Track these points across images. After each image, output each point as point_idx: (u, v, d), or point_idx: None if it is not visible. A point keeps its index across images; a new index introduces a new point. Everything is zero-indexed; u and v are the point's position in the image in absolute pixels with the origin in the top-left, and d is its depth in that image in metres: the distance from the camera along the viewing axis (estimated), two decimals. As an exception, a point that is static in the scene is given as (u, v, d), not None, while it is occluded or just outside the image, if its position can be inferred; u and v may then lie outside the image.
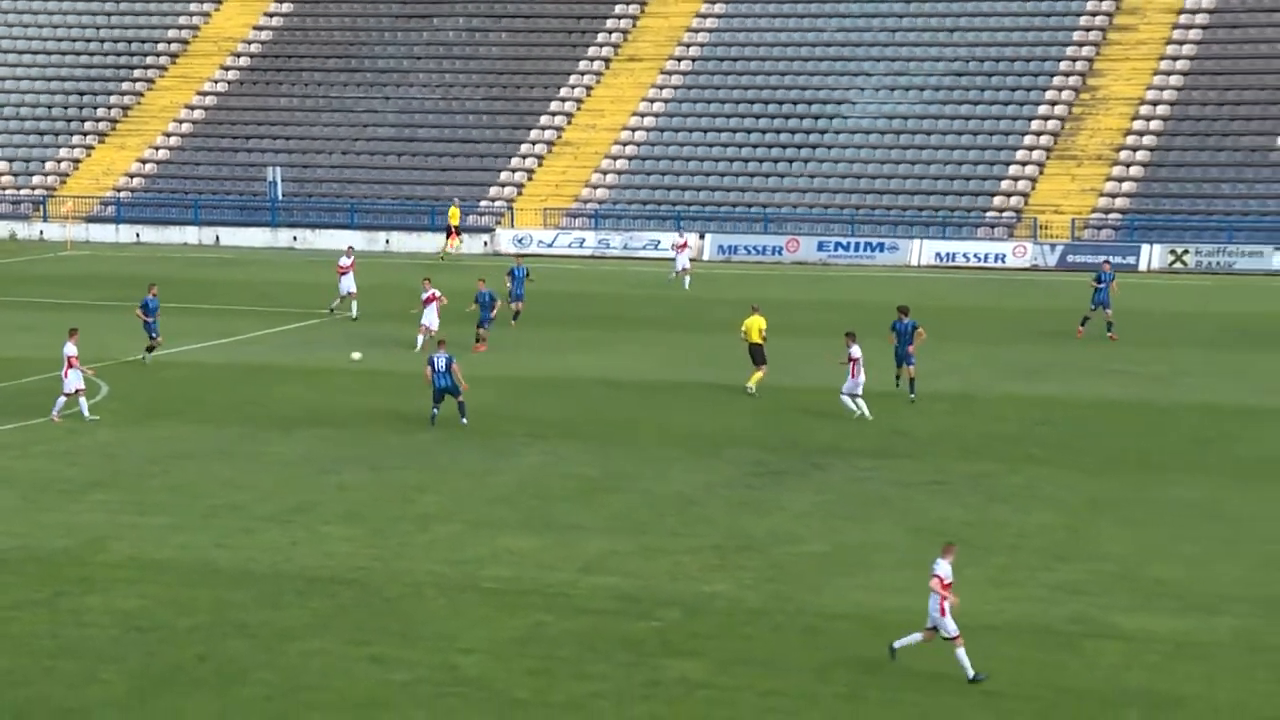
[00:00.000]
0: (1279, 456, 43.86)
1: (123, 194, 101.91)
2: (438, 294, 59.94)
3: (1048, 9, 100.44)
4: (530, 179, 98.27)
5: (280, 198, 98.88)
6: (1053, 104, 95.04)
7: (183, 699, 27.12)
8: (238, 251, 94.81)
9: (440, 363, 46.43)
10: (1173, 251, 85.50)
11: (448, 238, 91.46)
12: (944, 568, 27.68)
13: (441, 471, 42.09)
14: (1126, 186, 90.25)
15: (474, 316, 60.08)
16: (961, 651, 27.39)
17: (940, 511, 38.36)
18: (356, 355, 55.35)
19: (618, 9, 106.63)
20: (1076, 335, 62.37)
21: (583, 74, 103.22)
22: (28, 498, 39.60)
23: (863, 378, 47.30)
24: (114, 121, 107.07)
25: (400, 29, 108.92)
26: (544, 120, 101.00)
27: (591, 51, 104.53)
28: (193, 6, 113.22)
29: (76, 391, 47.50)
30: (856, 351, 47.19)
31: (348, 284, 67.18)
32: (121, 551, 35.28)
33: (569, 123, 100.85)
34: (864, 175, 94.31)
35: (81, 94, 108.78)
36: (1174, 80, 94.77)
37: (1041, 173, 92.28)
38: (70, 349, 47.61)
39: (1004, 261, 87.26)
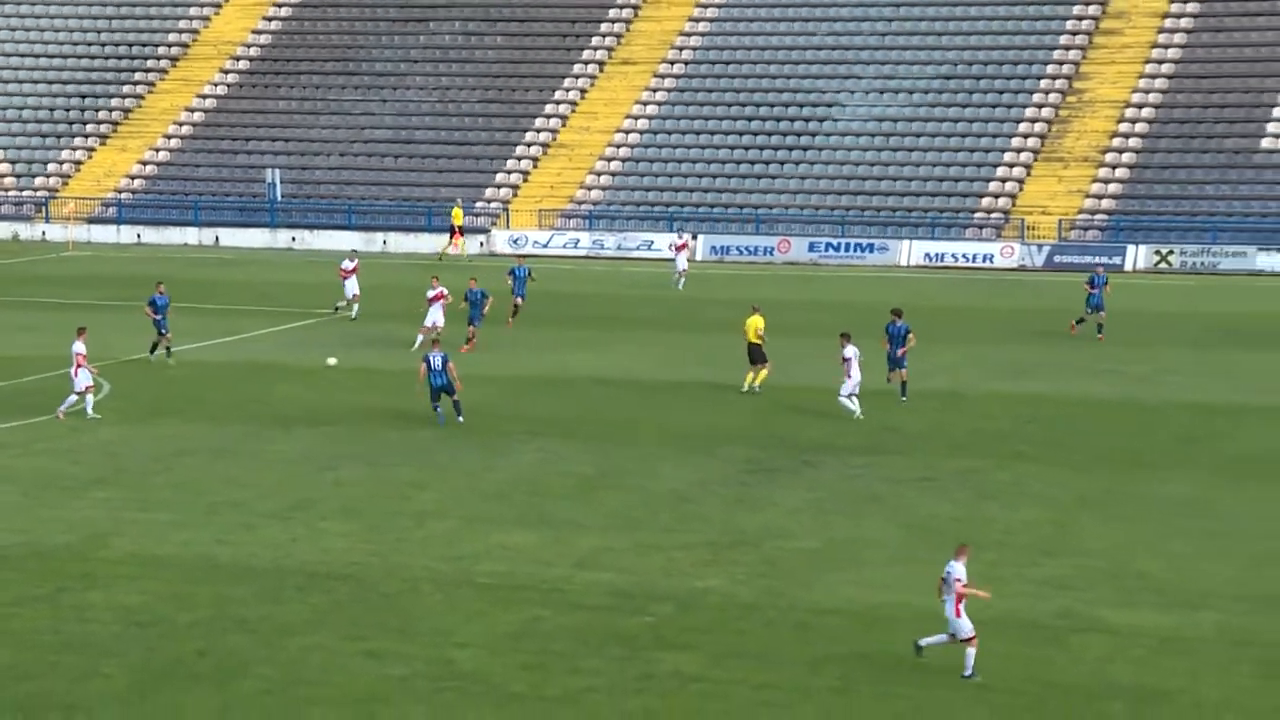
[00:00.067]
0: (1264, 454, 43.90)
1: (124, 195, 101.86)
2: (445, 292, 59.91)
3: (1035, 13, 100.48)
4: (525, 180, 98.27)
5: (279, 199, 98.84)
6: (1040, 107, 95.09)
7: (183, 693, 27.11)
8: (237, 252, 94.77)
9: (436, 361, 46.41)
10: (1158, 252, 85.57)
11: (451, 238, 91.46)
12: (960, 570, 27.60)
13: (438, 469, 42.08)
14: (1112, 188, 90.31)
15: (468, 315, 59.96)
16: (973, 651, 27.34)
17: (930, 508, 38.38)
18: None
19: (611, 13, 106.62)
20: (1070, 331, 62.40)
21: (577, 77, 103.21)
22: (30, 495, 39.57)
23: (858, 377, 47.24)
24: (115, 124, 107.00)
25: (397, 33, 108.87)
26: (539, 122, 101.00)
27: (586, 55, 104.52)
28: (192, 11, 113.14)
29: (85, 390, 47.50)
30: (850, 351, 47.15)
31: (351, 287, 67.08)
32: (123, 548, 35.26)
33: (564, 125, 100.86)
34: (854, 177, 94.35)
35: (83, 97, 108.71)
36: (1159, 83, 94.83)
37: (1029, 174, 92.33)
38: (79, 347, 47.59)
39: (992, 262, 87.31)
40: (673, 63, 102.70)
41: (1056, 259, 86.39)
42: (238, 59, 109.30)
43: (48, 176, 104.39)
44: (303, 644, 29.30)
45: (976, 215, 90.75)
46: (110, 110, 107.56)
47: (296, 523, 37.05)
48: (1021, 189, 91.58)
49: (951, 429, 46.86)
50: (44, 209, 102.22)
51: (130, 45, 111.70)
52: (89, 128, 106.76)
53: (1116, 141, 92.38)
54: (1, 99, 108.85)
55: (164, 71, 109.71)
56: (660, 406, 50.21)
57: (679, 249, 79.53)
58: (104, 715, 26.29)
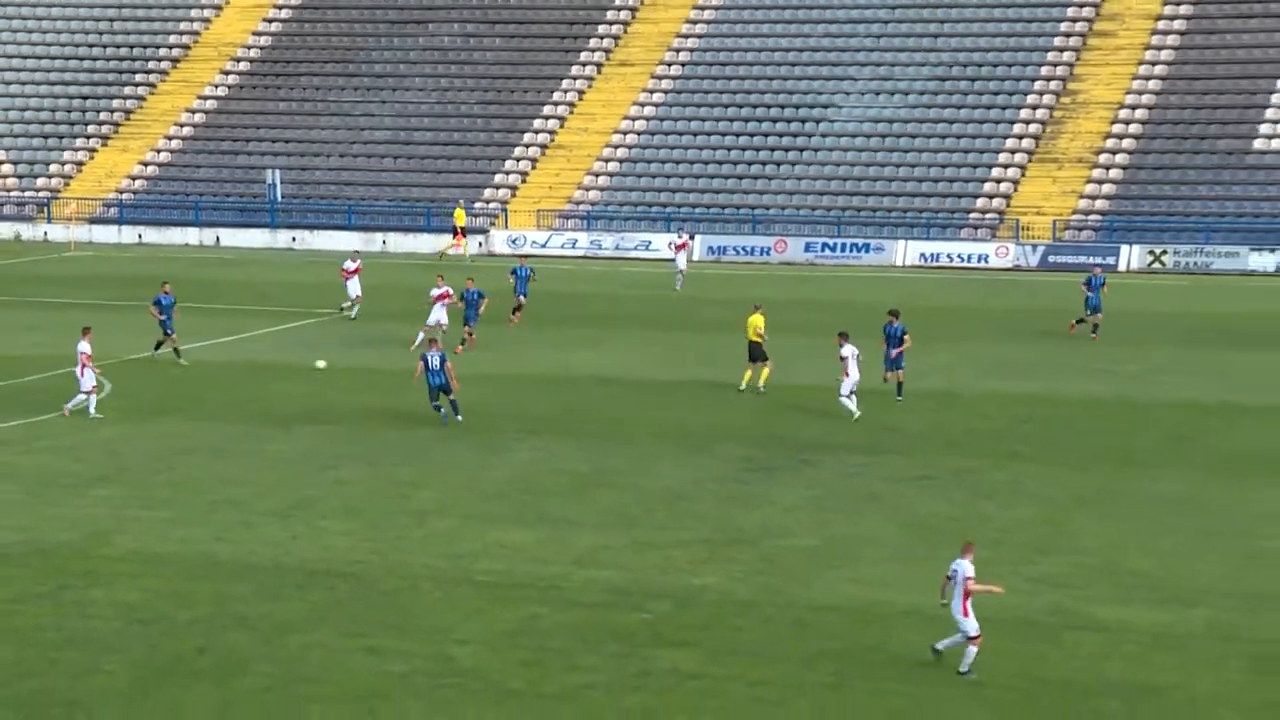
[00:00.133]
0: (1255, 452, 43.94)
1: (125, 196, 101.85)
2: (450, 292, 59.96)
3: (1029, 15, 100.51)
4: (524, 181, 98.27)
5: (279, 199, 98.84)
6: (1034, 108, 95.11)
7: (184, 690, 27.13)
8: (238, 252, 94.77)
9: (434, 361, 46.38)
10: (1151, 252, 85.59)
11: (454, 238, 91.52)
12: (969, 567, 27.60)
13: (437, 467, 42.10)
14: (1106, 189, 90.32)
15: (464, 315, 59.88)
16: (974, 650, 27.35)
17: (927, 506, 38.41)
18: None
19: (609, 15, 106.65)
20: (1069, 331, 62.39)
21: (575, 78, 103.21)
22: (32, 492, 39.59)
23: (856, 376, 47.20)
24: (116, 125, 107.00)
25: (396, 34, 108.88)
26: (537, 124, 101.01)
27: (584, 56, 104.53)
28: (193, 13, 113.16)
29: (91, 389, 47.52)
30: (847, 350, 47.11)
31: (353, 288, 67.07)
32: (124, 545, 35.28)
33: (562, 126, 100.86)
34: (850, 177, 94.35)
35: (85, 98, 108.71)
36: (1152, 85, 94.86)
37: (1023, 175, 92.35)
38: (84, 347, 47.62)
39: (987, 262, 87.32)
40: (670, 64, 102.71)
41: (1051, 259, 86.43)
42: (238, 60, 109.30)
43: (50, 177, 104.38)
44: (303, 641, 29.32)
45: (971, 216, 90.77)
46: (112, 111, 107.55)
47: (296, 521, 37.06)
48: (1016, 189, 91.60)
49: (948, 428, 46.89)
50: (46, 209, 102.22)
51: (131, 47, 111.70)
52: (91, 129, 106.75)
53: (1110, 142, 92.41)
54: (4, 100, 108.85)
55: (165, 73, 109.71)
56: (657, 405, 50.22)
57: (679, 248, 79.51)
58: (105, 712, 26.32)
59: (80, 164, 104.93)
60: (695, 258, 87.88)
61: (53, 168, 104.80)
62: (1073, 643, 29.06)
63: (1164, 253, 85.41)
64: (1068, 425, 47.40)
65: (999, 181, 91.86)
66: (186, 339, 58.78)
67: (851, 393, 47.40)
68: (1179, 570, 33.52)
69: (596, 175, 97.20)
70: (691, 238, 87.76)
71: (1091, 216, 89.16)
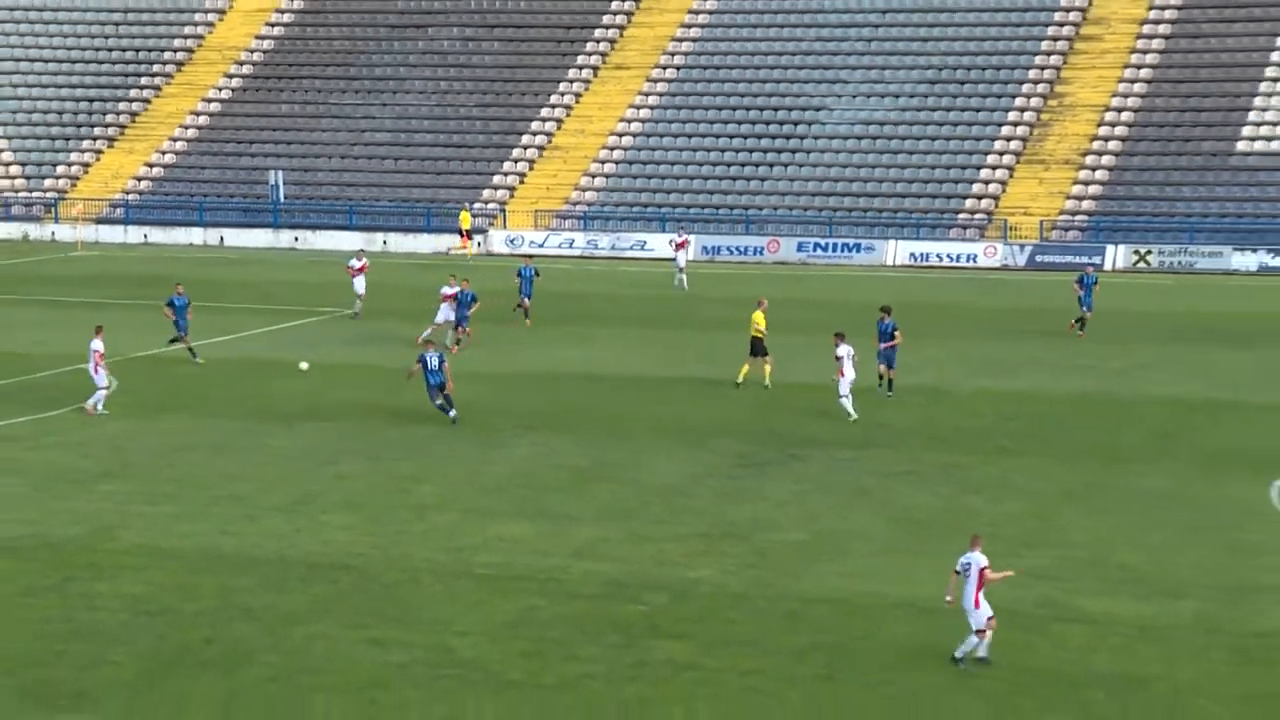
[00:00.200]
0: (1239, 448, 43.97)
1: (131, 197, 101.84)
2: (459, 293, 60.00)
3: (1017, 20, 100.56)
4: (522, 182, 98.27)
5: (282, 200, 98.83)
6: (1022, 111, 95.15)
7: (190, 680, 27.14)
8: (241, 252, 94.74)
9: (433, 361, 46.32)
10: (1136, 252, 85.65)
11: (461, 239, 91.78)
12: (982, 558, 27.61)
13: (437, 462, 42.10)
14: (1092, 190, 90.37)
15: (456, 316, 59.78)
16: (975, 640, 27.38)
17: (915, 501, 38.43)
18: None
19: (605, 19, 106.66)
20: (1069, 330, 62.25)
21: (572, 82, 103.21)
22: (40, 487, 39.59)
23: (852, 375, 47.12)
24: (122, 127, 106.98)
25: (396, 38, 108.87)
26: (535, 126, 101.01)
27: (580, 60, 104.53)
28: (197, 17, 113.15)
29: (105, 386, 47.51)
30: (843, 350, 47.01)
31: (358, 285, 67.06)
32: (130, 539, 35.28)
33: (559, 128, 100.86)
34: (841, 179, 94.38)
35: (91, 101, 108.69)
36: (1138, 88, 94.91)
37: (1011, 176, 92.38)
38: (97, 345, 47.58)
39: (975, 261, 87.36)
40: (665, 68, 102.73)
41: (1038, 259, 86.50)
42: (241, 64, 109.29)
43: (57, 178, 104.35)
44: (306, 632, 29.34)
45: (960, 216, 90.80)
46: (118, 114, 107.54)
47: (299, 515, 37.07)
48: (1004, 191, 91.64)
49: (937, 424, 46.90)
50: (53, 210, 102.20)
51: (137, 51, 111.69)
52: (97, 131, 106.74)
53: (1096, 145, 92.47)
54: (12, 103, 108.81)
55: (170, 76, 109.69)
56: (654, 402, 50.23)
57: (679, 247, 79.47)
58: (113, 702, 26.33)
59: (87, 165, 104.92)
60: (690, 257, 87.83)
61: (60, 169, 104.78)
62: (1060, 634, 29.10)
63: (1149, 253, 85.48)
64: (1055, 421, 47.42)
65: (987, 183, 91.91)
66: (191, 337, 58.72)
67: (848, 393, 47.31)
68: (1164, 563, 33.56)
69: (593, 176, 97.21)
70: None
71: (1078, 217, 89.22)
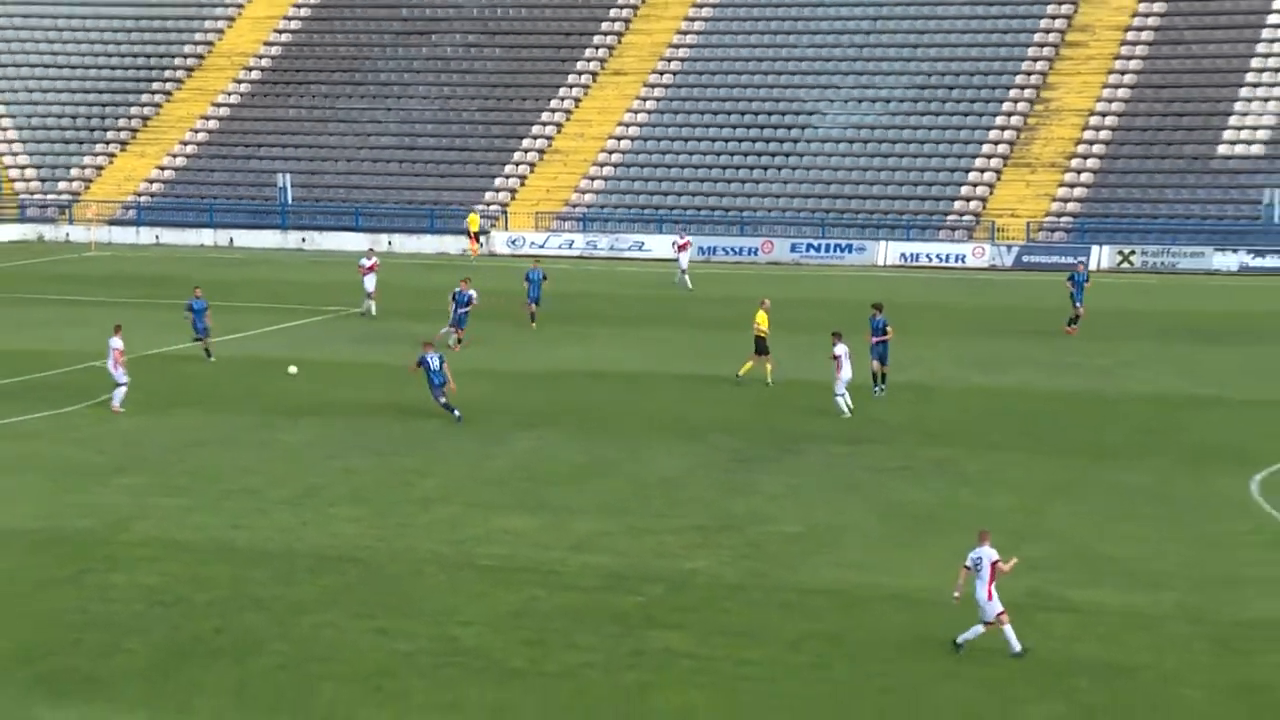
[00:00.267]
0: (1221, 444, 43.98)
1: (143, 198, 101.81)
2: (474, 294, 59.90)
3: (1005, 27, 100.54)
4: (523, 184, 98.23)
5: (290, 202, 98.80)
6: (1009, 115, 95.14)
7: (202, 669, 27.17)
8: (250, 252, 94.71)
9: (434, 362, 46.26)
10: (1120, 252, 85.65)
11: (470, 241, 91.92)
12: (992, 552, 27.62)
13: (440, 457, 42.11)
14: (1078, 192, 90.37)
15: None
16: (981, 629, 27.40)
17: (907, 495, 38.44)
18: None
19: (604, 26, 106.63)
20: (1069, 333, 61.97)
21: (572, 86, 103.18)
22: (56, 481, 39.60)
23: (848, 373, 47.05)
24: (135, 131, 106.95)
25: (401, 45, 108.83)
26: (536, 130, 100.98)
27: (580, 65, 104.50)
28: (208, 24, 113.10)
29: (124, 382, 47.46)
30: (840, 349, 46.90)
31: (368, 284, 67.04)
32: (144, 532, 35.30)
33: (559, 132, 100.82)
34: (834, 181, 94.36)
35: (105, 106, 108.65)
36: (1122, 93, 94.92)
37: (999, 179, 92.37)
38: (117, 343, 47.54)
39: (964, 262, 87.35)
40: (662, 73, 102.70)
41: (1025, 259, 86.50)
42: (250, 70, 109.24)
43: (71, 181, 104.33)
44: (314, 622, 29.36)
45: (949, 217, 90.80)
46: (130, 118, 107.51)
47: (307, 508, 37.09)
48: (992, 193, 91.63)
49: (927, 420, 46.90)
50: (68, 211, 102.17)
51: (149, 57, 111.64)
52: (110, 135, 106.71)
53: (1081, 148, 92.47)
54: (27, 108, 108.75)
55: (180, 82, 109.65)
56: (651, 398, 50.24)
57: (681, 248, 79.37)
58: (127, 690, 26.36)
59: (100, 168, 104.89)
60: (690, 258, 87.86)
61: (74, 172, 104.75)
62: (1047, 624, 29.11)
63: (1132, 253, 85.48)
64: (1042, 418, 47.41)
65: (975, 185, 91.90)
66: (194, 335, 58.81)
67: (844, 390, 47.25)
68: (1148, 555, 33.58)
69: (592, 179, 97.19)
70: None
71: (1064, 218, 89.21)
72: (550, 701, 25.94)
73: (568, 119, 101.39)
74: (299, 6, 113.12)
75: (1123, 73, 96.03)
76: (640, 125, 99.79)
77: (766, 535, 34.99)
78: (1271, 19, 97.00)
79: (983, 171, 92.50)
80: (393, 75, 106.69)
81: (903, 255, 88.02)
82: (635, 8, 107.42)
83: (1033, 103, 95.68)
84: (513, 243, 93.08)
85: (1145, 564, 32.98)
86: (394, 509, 37.03)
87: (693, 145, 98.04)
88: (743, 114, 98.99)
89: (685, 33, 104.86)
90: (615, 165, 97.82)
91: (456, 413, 46.06)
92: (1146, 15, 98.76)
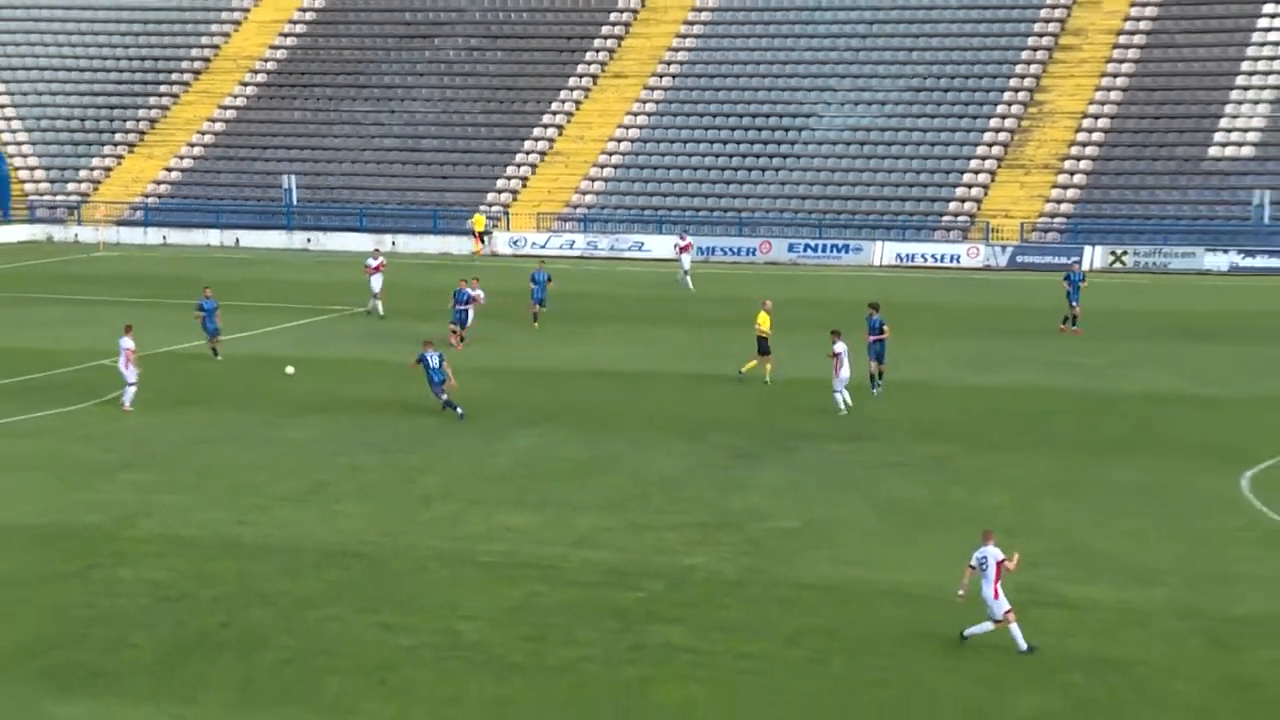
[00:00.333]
0: (1211, 441, 43.95)
1: (150, 199, 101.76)
2: (480, 295, 59.90)
3: (999, 30, 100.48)
4: (525, 186, 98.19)
5: (295, 203, 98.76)
6: (1003, 117, 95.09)
7: (208, 663, 27.15)
8: (256, 252, 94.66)
9: (434, 360, 46.25)
10: (1113, 253, 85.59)
11: (477, 241, 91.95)
12: (997, 552, 27.59)
13: (443, 454, 42.08)
14: (1071, 193, 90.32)
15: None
16: (990, 626, 27.39)
17: (903, 491, 38.41)
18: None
19: (604, 30, 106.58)
20: (1075, 332, 61.77)
21: (572, 89, 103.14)
22: (64, 478, 39.58)
23: (847, 372, 46.98)
24: (142, 133, 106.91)
25: (405, 48, 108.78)
26: (537, 132, 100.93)
27: (580, 69, 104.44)
28: (214, 28, 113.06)
29: (134, 381, 47.42)
30: (840, 347, 46.82)
31: (375, 284, 67.01)
32: (150, 527, 35.28)
33: (560, 134, 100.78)
34: (830, 183, 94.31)
35: (113, 108, 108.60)
36: (1114, 95, 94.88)
37: (993, 180, 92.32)
38: (128, 343, 47.48)
39: (959, 262, 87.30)
40: (661, 76, 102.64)
41: (1019, 259, 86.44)
42: (256, 72, 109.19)
43: (80, 182, 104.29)
44: (319, 616, 29.35)
45: (944, 218, 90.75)
46: (138, 120, 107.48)
47: (312, 504, 37.07)
48: (986, 194, 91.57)
49: (922, 418, 46.84)
50: (76, 212, 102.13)
51: (156, 60, 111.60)
52: (118, 136, 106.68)
53: (1074, 150, 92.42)
54: (37, 109, 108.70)
55: (187, 84, 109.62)
56: (651, 396, 50.21)
57: (683, 250, 79.28)
58: (134, 683, 26.34)
59: (108, 170, 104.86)
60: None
61: (83, 173, 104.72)
62: (1040, 619, 29.06)
63: (1125, 253, 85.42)
64: (1036, 416, 47.36)
65: (970, 186, 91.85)
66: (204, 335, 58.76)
67: (843, 388, 47.19)
68: (1140, 551, 33.56)
69: (593, 180, 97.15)
70: (681, 238, 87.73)
71: (1057, 219, 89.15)
72: (551, 695, 25.92)
73: (569, 121, 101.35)
74: (304, 10, 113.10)
75: (1115, 76, 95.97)
76: (640, 127, 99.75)
77: (764, 531, 34.96)
78: (1261, 23, 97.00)
79: (977, 173, 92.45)
80: (396, 78, 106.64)
81: (899, 255, 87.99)
82: (635, 12, 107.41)
83: (1026, 105, 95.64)
84: (514, 243, 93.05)
85: (1138, 560, 32.96)
86: (398, 505, 37.01)
87: (691, 147, 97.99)
88: (741, 116, 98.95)
89: (684, 37, 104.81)
90: (615, 167, 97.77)
91: (458, 409, 46.03)
92: (1138, 19, 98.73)
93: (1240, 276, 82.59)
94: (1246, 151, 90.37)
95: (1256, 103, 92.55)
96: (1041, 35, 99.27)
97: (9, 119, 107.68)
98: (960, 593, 28.07)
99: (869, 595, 30.52)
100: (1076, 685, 26.28)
